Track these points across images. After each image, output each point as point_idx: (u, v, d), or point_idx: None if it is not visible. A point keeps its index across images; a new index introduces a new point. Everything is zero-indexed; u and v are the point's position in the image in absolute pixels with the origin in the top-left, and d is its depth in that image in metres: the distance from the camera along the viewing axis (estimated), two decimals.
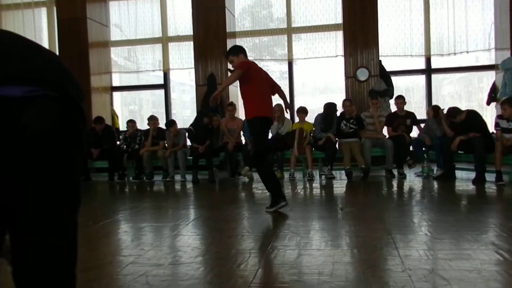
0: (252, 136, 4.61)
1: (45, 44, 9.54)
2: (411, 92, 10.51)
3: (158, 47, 9.81)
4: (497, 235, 3.11)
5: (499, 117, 6.11)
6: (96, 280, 2.44)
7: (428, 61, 8.93)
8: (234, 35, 9.31)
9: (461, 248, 2.83)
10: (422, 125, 7.20)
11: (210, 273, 2.53)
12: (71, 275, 1.17)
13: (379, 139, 7.05)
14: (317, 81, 10.85)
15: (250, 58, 9.61)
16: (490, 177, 5.88)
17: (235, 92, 9.28)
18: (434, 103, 8.51)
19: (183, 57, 9.64)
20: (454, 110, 6.38)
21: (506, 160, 5.91)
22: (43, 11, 9.94)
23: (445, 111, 6.62)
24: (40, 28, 9.97)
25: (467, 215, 4.12)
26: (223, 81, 4.55)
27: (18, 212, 1.07)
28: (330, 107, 7.28)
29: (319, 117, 7.29)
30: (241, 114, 8.44)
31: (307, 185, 6.43)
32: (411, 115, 7.14)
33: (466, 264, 2.46)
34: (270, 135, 6.77)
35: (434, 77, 9.20)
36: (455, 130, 6.32)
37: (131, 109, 12.50)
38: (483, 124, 6.32)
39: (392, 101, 7.78)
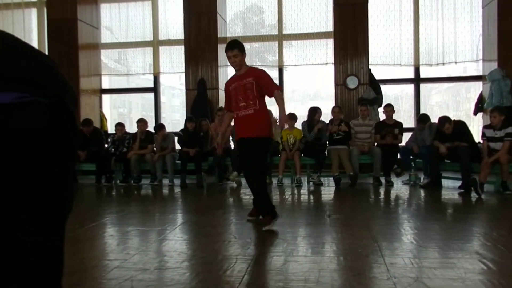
0: (261, 154, 4.12)
1: (35, 45, 9.46)
2: (399, 101, 10.62)
3: (149, 50, 9.78)
4: (482, 244, 3.15)
5: (485, 127, 6.19)
6: (80, 284, 2.41)
7: (417, 70, 9.04)
8: (225, 40, 9.32)
9: (446, 256, 2.85)
10: (410, 134, 7.28)
11: (195, 278, 2.52)
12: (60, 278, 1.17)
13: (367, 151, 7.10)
14: (307, 88, 10.93)
15: None
16: None
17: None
18: (422, 112, 8.60)
19: (173, 61, 9.63)
20: (444, 119, 6.42)
21: (491, 170, 5.97)
22: (33, 11, 9.88)
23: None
24: (30, 29, 9.90)
25: (452, 224, 4.16)
26: (281, 104, 4.06)
27: (19, 212, 1.06)
28: (310, 112, 7.34)
29: (305, 124, 7.34)
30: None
31: (295, 191, 6.44)
32: (399, 124, 7.21)
33: (451, 273, 2.48)
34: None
35: (423, 86, 9.31)
36: (443, 140, 6.38)
37: (120, 112, 12.45)
38: (469, 134, 6.40)
39: (381, 109, 7.85)
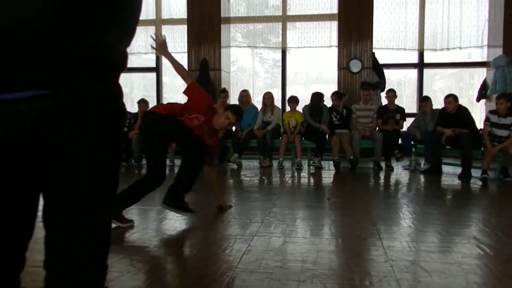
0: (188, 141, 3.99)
1: None
2: (402, 86, 10.58)
3: (151, 29, 9.68)
4: (479, 230, 3.17)
5: (491, 112, 6.16)
6: None
7: (421, 55, 8.95)
8: (228, 20, 9.24)
9: (443, 241, 2.87)
10: (412, 119, 7.26)
11: (195, 257, 2.54)
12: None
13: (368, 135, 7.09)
14: (310, 70, 10.87)
15: (244, 45, 9.65)
16: (475, 172, 5.94)
17: (227, 78, 9.25)
18: None
19: (176, 40, 9.55)
20: (449, 95, 6.42)
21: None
22: None
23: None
24: None
25: (451, 209, 4.18)
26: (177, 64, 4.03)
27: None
28: (315, 97, 7.29)
29: (305, 109, 7.29)
30: (233, 101, 8.42)
31: (295, 174, 6.46)
32: (401, 109, 7.18)
33: (448, 257, 2.51)
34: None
35: (426, 71, 9.24)
36: (445, 125, 6.35)
37: None
38: (472, 121, 6.38)
39: (383, 94, 7.82)
